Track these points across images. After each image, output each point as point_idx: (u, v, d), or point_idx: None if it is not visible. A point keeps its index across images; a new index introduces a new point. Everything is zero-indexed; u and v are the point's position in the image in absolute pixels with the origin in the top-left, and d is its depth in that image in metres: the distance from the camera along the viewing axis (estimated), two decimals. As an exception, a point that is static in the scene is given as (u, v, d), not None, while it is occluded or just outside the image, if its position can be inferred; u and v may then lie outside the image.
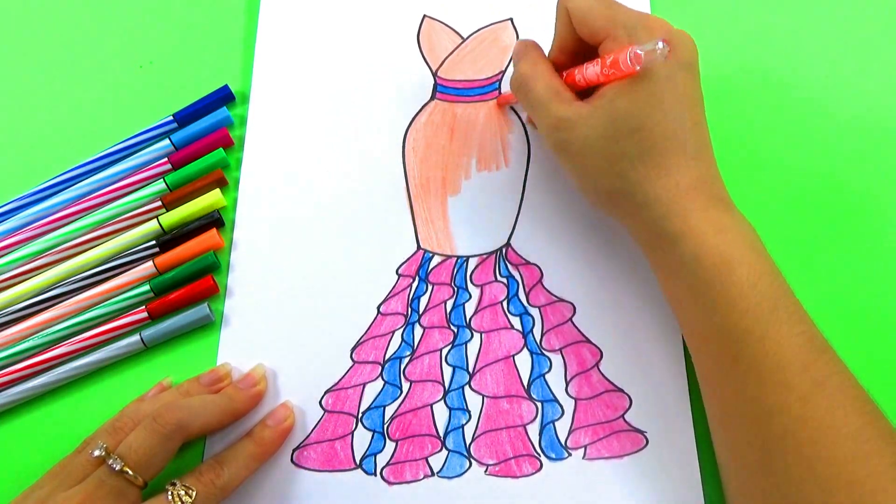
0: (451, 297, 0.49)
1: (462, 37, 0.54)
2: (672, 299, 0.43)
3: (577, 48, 0.44)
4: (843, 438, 0.36)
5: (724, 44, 0.54)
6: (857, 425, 0.36)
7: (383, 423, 0.46)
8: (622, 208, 0.43)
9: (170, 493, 0.40)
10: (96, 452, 0.41)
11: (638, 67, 0.38)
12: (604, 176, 0.42)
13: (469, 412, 0.46)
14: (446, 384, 0.47)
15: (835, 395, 0.37)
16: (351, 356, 0.48)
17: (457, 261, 0.50)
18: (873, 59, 0.53)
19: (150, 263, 0.49)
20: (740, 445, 0.39)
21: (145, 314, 0.49)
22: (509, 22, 0.54)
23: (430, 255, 0.50)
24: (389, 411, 0.47)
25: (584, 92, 0.43)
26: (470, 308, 0.48)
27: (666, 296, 0.43)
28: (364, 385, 0.47)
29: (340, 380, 0.47)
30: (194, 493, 0.40)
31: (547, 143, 0.44)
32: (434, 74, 0.54)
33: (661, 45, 0.37)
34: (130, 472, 0.40)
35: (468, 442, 0.46)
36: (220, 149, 0.52)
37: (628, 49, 0.38)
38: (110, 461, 0.40)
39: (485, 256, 0.50)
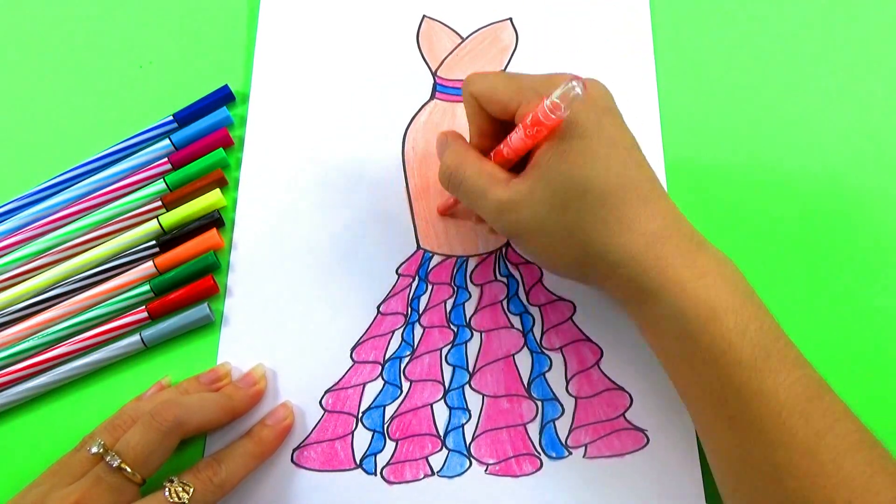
0: (451, 296, 0.49)
1: (461, 37, 0.54)
2: (659, 353, 0.41)
3: (495, 130, 0.43)
4: (854, 490, 0.34)
5: (723, 46, 0.54)
6: (867, 474, 0.34)
7: (383, 423, 0.46)
8: (595, 273, 0.40)
9: (167, 489, 0.40)
10: (94, 449, 0.41)
11: (560, 113, 0.37)
12: (566, 248, 0.39)
13: (469, 411, 0.46)
14: (446, 383, 0.47)
15: (840, 444, 0.35)
16: (351, 356, 0.48)
17: (457, 260, 0.50)
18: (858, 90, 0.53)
19: (150, 263, 0.49)
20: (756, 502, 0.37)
21: (145, 314, 0.49)
22: (509, 21, 0.55)
23: (430, 254, 0.50)
24: (389, 411, 0.47)
25: (518, 166, 0.41)
26: (470, 307, 0.48)
27: (652, 350, 0.41)
28: (364, 385, 0.47)
29: (340, 380, 0.47)
30: (192, 490, 0.40)
31: (497, 229, 0.42)
32: (434, 74, 0.54)
33: (573, 83, 0.36)
34: (128, 469, 0.40)
35: (468, 441, 0.46)
36: (220, 149, 0.52)
37: (543, 100, 0.37)
38: (108, 458, 0.40)
39: (485, 256, 0.50)
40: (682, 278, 0.37)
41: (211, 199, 0.50)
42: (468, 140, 0.45)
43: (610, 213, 0.38)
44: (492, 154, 0.43)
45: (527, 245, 0.41)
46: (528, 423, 0.46)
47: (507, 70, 0.53)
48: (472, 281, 0.49)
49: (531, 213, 0.39)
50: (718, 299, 0.37)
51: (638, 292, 0.39)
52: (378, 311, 0.49)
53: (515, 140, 0.40)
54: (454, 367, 0.47)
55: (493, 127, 0.43)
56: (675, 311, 0.37)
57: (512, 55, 0.54)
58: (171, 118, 0.53)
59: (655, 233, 0.38)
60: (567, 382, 0.46)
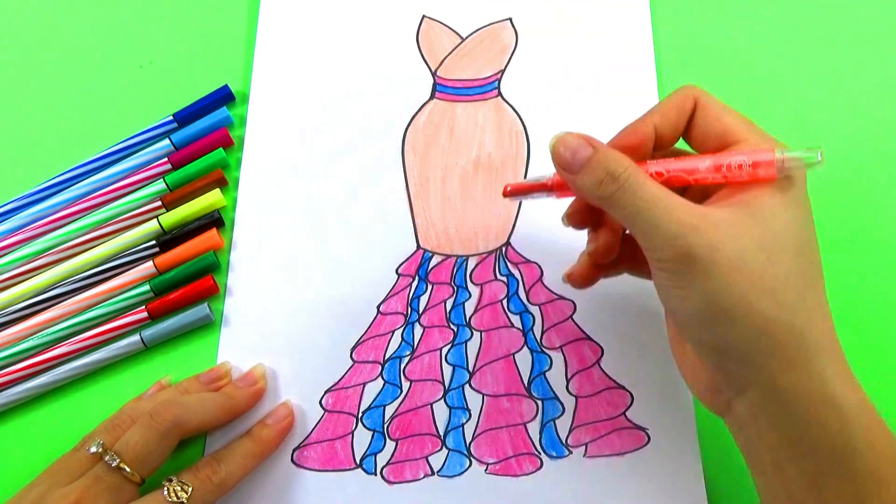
0: (451, 296, 0.49)
1: (461, 36, 0.54)
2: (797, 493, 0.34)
3: (672, 138, 0.38)
4: None
5: (724, 42, 0.54)
6: None
7: (383, 423, 0.46)
8: (777, 350, 0.33)
9: (166, 488, 0.40)
10: (93, 449, 0.41)
11: (785, 171, 0.34)
12: (762, 302, 0.32)
13: (469, 411, 0.46)
14: (446, 383, 0.47)
15: None
16: (351, 356, 0.48)
17: (456, 260, 0.49)
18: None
19: (150, 263, 0.49)
20: None
21: (145, 314, 0.49)
22: (508, 21, 0.54)
23: (430, 254, 0.50)
24: (389, 411, 0.46)
25: None
26: (470, 307, 0.48)
27: (782, 492, 0.35)
28: (364, 385, 0.47)
29: (340, 379, 0.47)
30: (190, 489, 0.40)
31: (668, 254, 0.34)
32: (433, 74, 0.54)
33: (819, 155, 0.33)
34: (128, 469, 0.40)
35: (468, 441, 0.46)
36: (220, 149, 0.52)
37: (777, 149, 0.34)
38: (107, 457, 0.40)
39: (484, 255, 0.49)
40: (869, 404, 0.33)
41: (211, 199, 0.50)
42: (622, 131, 0.39)
43: (819, 290, 0.34)
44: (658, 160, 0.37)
45: (705, 284, 0.33)
46: (528, 422, 0.46)
47: (508, 65, 0.53)
48: (471, 280, 0.49)
49: (734, 244, 0.33)
50: (876, 413, 0.34)
51: (822, 398, 0.32)
52: (378, 311, 0.49)
53: (707, 167, 0.35)
54: (454, 366, 0.47)
55: (672, 136, 0.38)
56: (865, 447, 0.32)
57: (512, 55, 0.54)
58: (171, 118, 0.53)
59: (834, 335, 0.34)
60: (567, 381, 0.46)
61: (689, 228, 0.33)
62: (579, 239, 0.48)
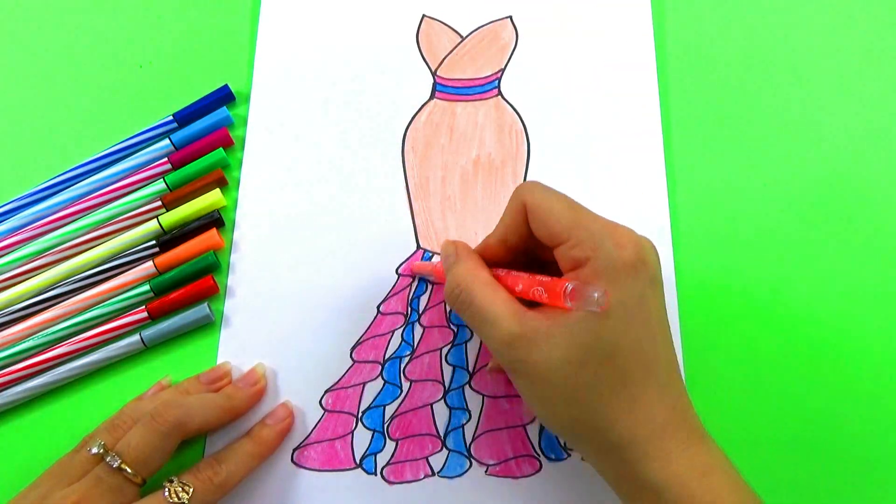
0: (452, 296, 0.49)
1: (461, 35, 0.54)
2: None
3: (521, 244, 0.40)
4: None
5: (726, 40, 0.54)
6: None
7: (383, 423, 0.46)
8: (590, 444, 0.38)
9: (167, 489, 0.40)
10: (94, 450, 0.41)
11: (573, 305, 0.34)
12: (568, 406, 0.37)
13: (469, 412, 0.46)
14: (446, 383, 0.47)
15: None
16: (351, 356, 0.48)
17: (457, 260, 0.49)
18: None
19: (150, 263, 0.49)
20: None
21: (145, 314, 0.49)
22: (508, 20, 0.54)
23: (430, 254, 0.50)
24: (389, 411, 0.47)
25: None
26: (470, 307, 0.48)
27: None
28: (364, 384, 0.47)
29: (340, 379, 0.47)
30: (191, 490, 0.40)
31: (499, 360, 0.39)
32: (433, 74, 0.54)
33: (597, 297, 0.33)
34: (129, 470, 0.40)
35: (468, 442, 0.46)
36: (220, 149, 0.52)
37: (566, 284, 0.34)
38: (108, 458, 0.40)
39: (485, 255, 0.49)
40: (686, 475, 0.36)
41: (211, 199, 0.50)
42: (483, 240, 0.43)
43: (626, 390, 0.36)
44: (500, 273, 0.40)
45: (526, 387, 0.38)
46: (527, 424, 0.46)
47: (508, 64, 0.53)
48: (472, 281, 0.49)
49: (544, 357, 0.36)
50: (722, 499, 0.36)
51: (635, 481, 0.37)
52: (378, 311, 0.49)
53: (521, 290, 0.38)
54: (454, 366, 0.47)
55: (521, 241, 0.40)
56: None
57: (512, 54, 0.54)
58: (171, 118, 0.53)
59: (664, 420, 0.36)
60: (567, 382, 0.46)
61: (507, 345, 0.37)
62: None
